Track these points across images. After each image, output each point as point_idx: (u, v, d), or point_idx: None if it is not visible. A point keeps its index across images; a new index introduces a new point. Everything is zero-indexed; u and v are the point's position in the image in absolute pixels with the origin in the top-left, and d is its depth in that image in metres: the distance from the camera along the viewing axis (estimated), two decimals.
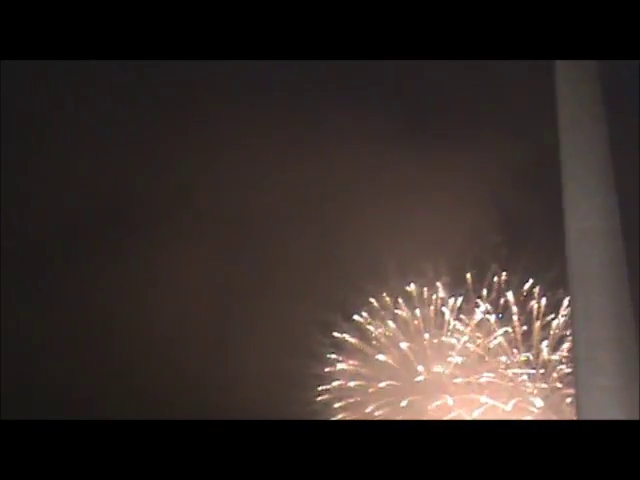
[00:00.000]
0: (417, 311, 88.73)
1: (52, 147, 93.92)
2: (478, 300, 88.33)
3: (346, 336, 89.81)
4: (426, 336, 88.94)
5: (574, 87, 36.66)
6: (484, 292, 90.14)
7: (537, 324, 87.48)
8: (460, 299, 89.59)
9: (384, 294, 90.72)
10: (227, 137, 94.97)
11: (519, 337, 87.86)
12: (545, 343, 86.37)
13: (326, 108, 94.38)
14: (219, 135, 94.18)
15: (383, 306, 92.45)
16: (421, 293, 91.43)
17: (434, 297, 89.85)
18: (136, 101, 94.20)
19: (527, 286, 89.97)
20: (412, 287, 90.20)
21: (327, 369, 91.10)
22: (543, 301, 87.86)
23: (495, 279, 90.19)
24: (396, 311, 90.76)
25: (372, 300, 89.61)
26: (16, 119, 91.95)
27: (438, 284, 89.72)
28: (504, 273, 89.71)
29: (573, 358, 38.44)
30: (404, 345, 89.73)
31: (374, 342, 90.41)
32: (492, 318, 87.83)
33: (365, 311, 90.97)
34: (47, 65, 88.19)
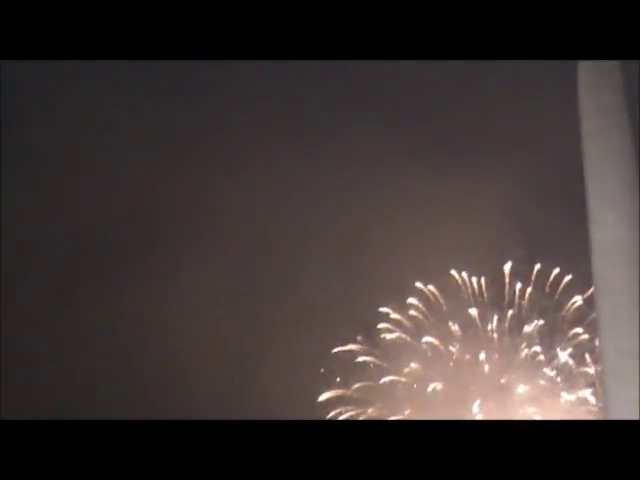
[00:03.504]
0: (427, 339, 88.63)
1: (72, 165, 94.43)
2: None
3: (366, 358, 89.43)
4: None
5: (597, 96, 36.29)
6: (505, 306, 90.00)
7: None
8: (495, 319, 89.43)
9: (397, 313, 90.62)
10: (244, 154, 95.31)
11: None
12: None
13: (343, 123, 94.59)
14: (236, 152, 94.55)
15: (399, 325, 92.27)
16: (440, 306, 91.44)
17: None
18: (157, 120, 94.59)
19: (550, 299, 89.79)
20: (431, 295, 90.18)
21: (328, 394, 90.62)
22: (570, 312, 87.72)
23: (517, 293, 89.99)
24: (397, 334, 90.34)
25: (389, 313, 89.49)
26: (34, 137, 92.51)
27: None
28: (528, 289, 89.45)
29: (601, 370, 38.09)
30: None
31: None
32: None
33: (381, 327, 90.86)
34: (63, 82, 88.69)
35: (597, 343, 39.29)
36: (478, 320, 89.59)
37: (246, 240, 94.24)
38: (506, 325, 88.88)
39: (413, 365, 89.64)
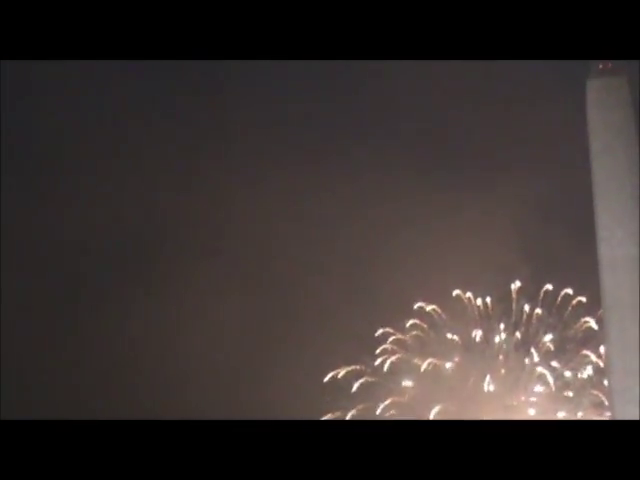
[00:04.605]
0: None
1: (74, 173, 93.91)
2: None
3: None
4: None
5: (606, 114, 36.44)
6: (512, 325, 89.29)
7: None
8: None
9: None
10: (253, 168, 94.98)
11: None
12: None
13: (351, 148, 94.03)
14: (245, 167, 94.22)
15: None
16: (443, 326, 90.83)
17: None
18: (159, 126, 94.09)
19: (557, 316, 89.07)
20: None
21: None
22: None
23: (525, 312, 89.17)
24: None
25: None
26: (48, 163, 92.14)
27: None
28: (537, 309, 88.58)
29: (608, 388, 37.96)
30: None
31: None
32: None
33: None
34: (63, 84, 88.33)
35: (605, 360, 38.84)
36: (483, 340, 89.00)
37: (252, 259, 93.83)
38: (512, 345, 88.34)
39: (416, 386, 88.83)
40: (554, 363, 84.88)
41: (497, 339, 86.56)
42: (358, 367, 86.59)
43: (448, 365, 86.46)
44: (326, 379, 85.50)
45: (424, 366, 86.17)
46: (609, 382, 37.66)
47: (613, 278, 35.33)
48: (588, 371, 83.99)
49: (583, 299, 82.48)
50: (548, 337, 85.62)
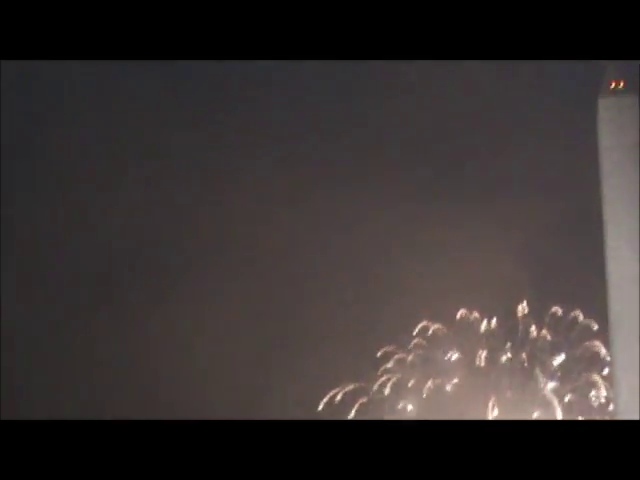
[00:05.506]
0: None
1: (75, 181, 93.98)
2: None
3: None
4: None
5: (617, 133, 36.33)
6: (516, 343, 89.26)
7: None
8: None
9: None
10: (254, 186, 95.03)
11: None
12: None
13: (353, 164, 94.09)
14: (245, 184, 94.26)
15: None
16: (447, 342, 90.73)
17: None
18: (171, 156, 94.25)
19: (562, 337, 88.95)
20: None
21: None
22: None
23: (532, 331, 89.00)
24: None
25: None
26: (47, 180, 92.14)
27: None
28: (543, 330, 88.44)
29: (614, 409, 37.79)
30: None
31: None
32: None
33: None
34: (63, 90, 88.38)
35: (610, 381, 38.74)
36: (489, 361, 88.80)
37: (253, 276, 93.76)
38: (518, 366, 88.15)
39: (418, 406, 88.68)
40: (559, 385, 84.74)
41: (503, 358, 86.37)
42: (359, 385, 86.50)
43: (451, 386, 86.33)
44: (326, 397, 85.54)
45: (427, 386, 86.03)
46: (614, 403, 37.43)
47: (620, 297, 35.12)
48: (594, 394, 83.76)
49: (591, 321, 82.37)
50: (554, 359, 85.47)
